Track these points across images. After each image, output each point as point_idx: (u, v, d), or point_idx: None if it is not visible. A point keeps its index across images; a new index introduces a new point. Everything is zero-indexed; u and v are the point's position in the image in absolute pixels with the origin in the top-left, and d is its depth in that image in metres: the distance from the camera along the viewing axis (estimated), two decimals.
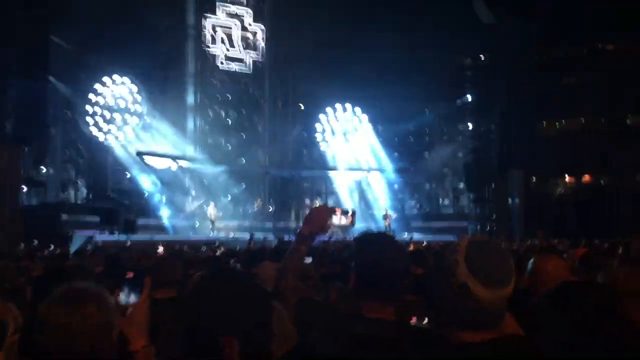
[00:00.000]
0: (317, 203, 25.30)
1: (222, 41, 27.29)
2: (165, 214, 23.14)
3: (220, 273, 1.40)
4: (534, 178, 28.06)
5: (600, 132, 26.40)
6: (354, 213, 2.62)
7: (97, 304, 1.73)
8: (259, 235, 19.89)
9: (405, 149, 29.90)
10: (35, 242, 7.36)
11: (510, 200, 26.66)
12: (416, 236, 21.64)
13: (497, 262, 1.60)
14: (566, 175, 28.36)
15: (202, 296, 1.36)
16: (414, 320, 2.69)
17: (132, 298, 1.97)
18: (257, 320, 1.31)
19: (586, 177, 27.93)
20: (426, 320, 2.63)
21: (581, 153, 25.62)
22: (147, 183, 23.68)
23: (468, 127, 28.39)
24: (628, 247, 7.87)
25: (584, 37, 26.32)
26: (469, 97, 28.20)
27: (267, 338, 1.33)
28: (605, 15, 23.40)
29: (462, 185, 28.78)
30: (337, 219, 2.55)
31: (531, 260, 3.27)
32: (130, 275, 1.96)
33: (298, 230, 2.42)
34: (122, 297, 1.99)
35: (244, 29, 27.92)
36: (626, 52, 26.49)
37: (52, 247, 12.54)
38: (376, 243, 2.05)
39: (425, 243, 12.73)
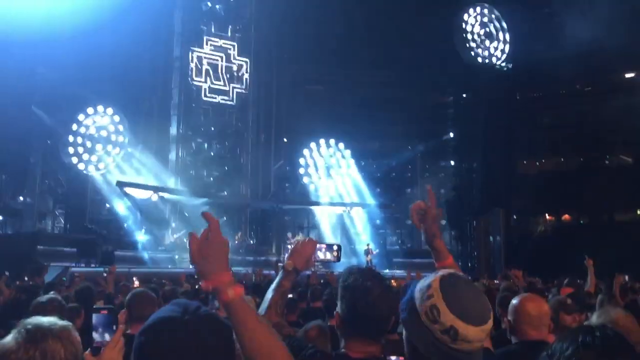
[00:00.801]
0: (299, 237, 25.09)
1: (207, 73, 27.39)
2: (144, 245, 22.77)
3: (181, 316, 1.22)
4: (515, 216, 28.24)
5: (579, 172, 26.76)
6: (339, 249, 2.56)
7: (59, 339, 1.68)
8: (239, 269, 19.63)
9: (388, 184, 30.01)
10: (7, 273, 7.06)
11: (491, 238, 26.74)
12: (398, 272, 21.55)
13: (475, 298, 1.56)
14: (546, 214, 28.60)
15: (157, 340, 1.20)
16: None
17: (106, 336, 1.87)
18: None
19: (566, 216, 28.18)
20: None
21: (560, 192, 25.88)
22: (126, 214, 23.37)
23: (450, 164, 28.63)
24: (610, 287, 7.88)
25: (562, 78, 26.89)
26: (451, 135, 28.51)
27: None
28: (582, 57, 23.95)
29: (443, 222, 28.83)
30: (322, 254, 2.49)
31: (513, 301, 3.25)
32: (104, 311, 1.86)
33: (282, 265, 2.34)
34: (96, 335, 1.89)
35: (229, 61, 28.09)
36: (603, 92, 27.08)
37: (26, 278, 12.21)
38: (363, 281, 1.98)
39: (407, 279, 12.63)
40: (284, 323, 2.21)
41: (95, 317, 1.94)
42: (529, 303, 3.15)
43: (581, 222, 27.76)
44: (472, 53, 28.10)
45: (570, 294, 5.77)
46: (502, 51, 28.61)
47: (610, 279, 8.42)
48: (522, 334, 3.09)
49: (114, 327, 1.91)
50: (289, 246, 24.74)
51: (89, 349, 1.83)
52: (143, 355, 1.18)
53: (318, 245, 2.43)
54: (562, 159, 28.97)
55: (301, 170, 28.74)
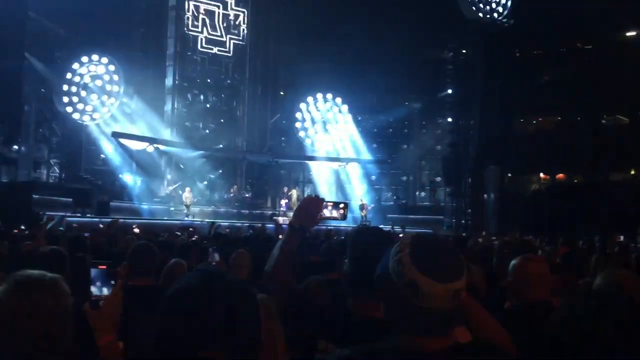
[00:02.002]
0: (294, 192, 25.21)
1: (204, 23, 26.92)
2: (139, 196, 22.81)
3: (205, 278, 1.20)
4: (509, 174, 28.33)
5: (575, 131, 26.73)
6: (345, 206, 2.54)
7: (50, 290, 1.70)
8: (234, 222, 19.79)
9: (384, 140, 29.98)
10: None
11: (485, 195, 26.89)
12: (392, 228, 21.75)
13: (444, 256, 1.51)
14: (541, 173, 28.69)
15: (180, 305, 1.19)
16: None
17: (104, 290, 1.88)
18: (247, 333, 1.18)
19: (560, 175, 28.27)
20: None
21: (556, 151, 25.89)
22: (121, 165, 23.33)
23: (447, 121, 28.53)
24: (604, 246, 7.97)
25: (563, 35, 26.57)
26: (449, 91, 28.33)
27: (256, 349, 1.21)
28: (584, 14, 23.62)
29: (439, 178, 28.96)
30: (328, 212, 2.48)
31: (513, 262, 3.24)
32: (102, 266, 1.87)
33: (289, 222, 2.33)
34: (94, 289, 1.89)
35: (226, 12, 27.57)
36: (603, 51, 26.79)
37: (23, 227, 12.26)
38: (372, 240, 1.97)
39: (401, 235, 12.76)
40: (291, 279, 2.21)
41: (93, 272, 1.94)
42: (530, 263, 3.11)
43: (575, 181, 27.87)
44: (474, 8, 27.63)
45: (566, 254, 5.84)
46: (504, 6, 28.14)
47: (603, 238, 8.51)
48: (523, 294, 3.06)
49: (112, 282, 1.92)
50: (283, 201, 24.85)
51: (88, 302, 1.84)
52: (169, 322, 1.17)
53: (324, 203, 2.41)
54: (560, 118, 28.88)
55: (298, 125, 28.63)
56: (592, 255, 5.67)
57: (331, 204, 2.51)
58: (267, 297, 2.16)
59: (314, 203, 2.36)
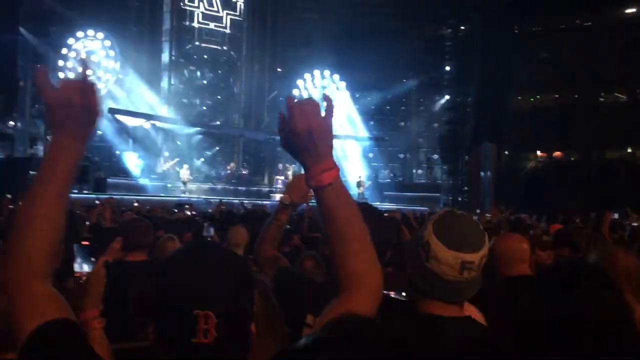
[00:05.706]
0: (290, 169, 25.18)
1: None
2: (136, 173, 22.79)
3: (199, 244, 1.28)
4: (506, 152, 28.33)
5: (572, 108, 26.67)
6: None
7: None
8: (231, 199, 19.81)
9: (382, 118, 29.91)
10: (9, 195, 7.02)
11: (482, 173, 26.94)
12: (388, 205, 21.81)
13: (463, 227, 1.60)
14: (537, 150, 28.70)
15: (176, 267, 1.22)
16: (392, 293, 2.67)
17: (85, 267, 1.87)
18: (238, 294, 1.22)
19: (557, 153, 28.28)
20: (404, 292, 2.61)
21: (553, 128, 25.88)
22: (118, 141, 23.26)
23: (445, 98, 28.43)
24: (598, 224, 7.97)
25: (561, 12, 26.39)
26: (447, 68, 28.18)
27: (249, 313, 1.25)
28: None
29: (436, 156, 28.97)
30: None
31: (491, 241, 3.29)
32: (85, 242, 1.85)
33: (279, 199, 2.35)
34: (75, 266, 1.90)
35: None
36: (602, 28, 26.63)
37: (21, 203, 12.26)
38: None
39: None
40: (280, 256, 2.24)
41: (75, 248, 1.94)
42: (503, 241, 3.17)
43: (572, 159, 27.89)
44: None
45: (558, 231, 5.87)
46: None
47: (598, 216, 8.51)
48: (502, 271, 3.13)
49: (92, 259, 1.91)
50: (280, 178, 24.86)
51: (72, 279, 1.83)
52: (164, 285, 1.21)
53: None
54: (557, 95, 28.79)
55: None
56: (583, 234, 5.70)
57: None
58: (262, 274, 2.18)
59: (304, 180, 2.37)
